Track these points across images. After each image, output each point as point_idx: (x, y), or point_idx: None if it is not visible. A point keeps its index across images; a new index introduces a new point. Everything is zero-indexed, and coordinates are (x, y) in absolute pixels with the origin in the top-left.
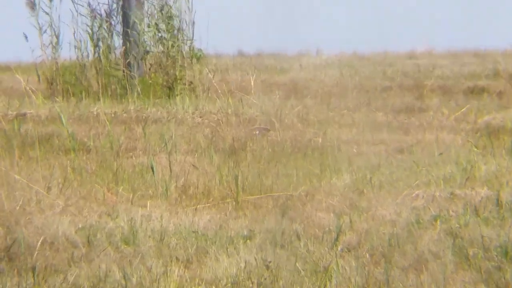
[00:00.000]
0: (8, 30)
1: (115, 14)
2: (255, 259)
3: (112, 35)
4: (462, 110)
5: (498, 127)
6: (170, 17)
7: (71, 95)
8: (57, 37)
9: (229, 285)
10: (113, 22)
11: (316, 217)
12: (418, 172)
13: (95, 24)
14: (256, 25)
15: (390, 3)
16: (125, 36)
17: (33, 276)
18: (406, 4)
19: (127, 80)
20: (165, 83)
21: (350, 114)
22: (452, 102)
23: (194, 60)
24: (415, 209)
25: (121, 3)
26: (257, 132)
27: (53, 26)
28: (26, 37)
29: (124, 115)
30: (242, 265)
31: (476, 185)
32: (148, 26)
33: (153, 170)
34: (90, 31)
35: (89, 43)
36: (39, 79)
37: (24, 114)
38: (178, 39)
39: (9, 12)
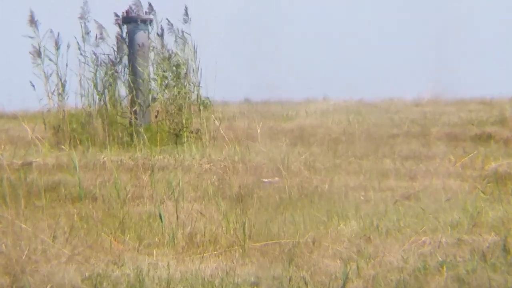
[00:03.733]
0: (15, 79)
1: (121, 62)
2: None
3: (117, 83)
4: (469, 156)
5: (505, 173)
6: (178, 65)
7: (78, 143)
8: (63, 85)
9: None
10: (118, 70)
11: (323, 264)
12: (425, 218)
13: (100, 71)
14: (263, 73)
15: (395, 50)
16: (131, 84)
17: None
18: (413, 52)
19: (134, 128)
20: (171, 131)
21: (357, 161)
22: (459, 149)
23: (201, 108)
24: (422, 256)
25: (126, 51)
26: (267, 182)
27: (59, 74)
28: (33, 86)
29: (131, 162)
30: None
31: (483, 231)
32: (155, 74)
33: (161, 218)
34: (95, 79)
35: (95, 91)
36: (45, 127)
37: (30, 163)
38: (184, 87)
39: (15, 60)
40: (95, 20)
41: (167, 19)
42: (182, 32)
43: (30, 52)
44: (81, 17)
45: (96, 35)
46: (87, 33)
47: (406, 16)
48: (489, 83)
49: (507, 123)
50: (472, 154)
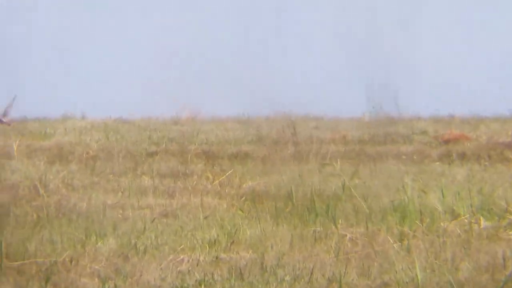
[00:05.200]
0: None
1: None
2: None
3: None
4: (227, 174)
5: (262, 192)
6: None
7: None
8: None
9: None
10: None
11: (80, 283)
12: (183, 236)
13: None
14: (22, 88)
15: (154, 70)
16: None
17: None
18: (168, 72)
19: None
20: None
21: (116, 178)
22: (217, 167)
23: None
24: (180, 274)
25: None
26: None
27: None
28: None
29: None
30: None
31: (241, 249)
32: None
33: None
34: None
35: None
36: None
37: None
38: None
39: None
40: None
41: None
42: None
43: None
44: None
45: None
46: None
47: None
48: (243, 101)
49: (264, 142)
50: (229, 172)
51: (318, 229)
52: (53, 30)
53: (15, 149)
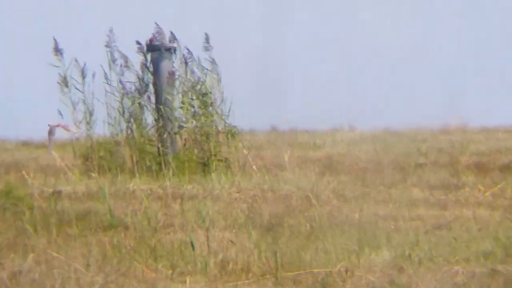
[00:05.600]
0: (42, 108)
1: (146, 90)
2: None
3: (144, 111)
4: (499, 186)
5: None
6: (205, 94)
7: (107, 171)
8: (91, 113)
9: None
10: (145, 99)
11: None
12: (457, 248)
13: (126, 100)
14: (290, 101)
15: (420, 77)
16: (158, 112)
17: None
18: (438, 79)
19: (162, 156)
20: (199, 160)
21: (386, 190)
22: (488, 179)
23: (229, 136)
24: (455, 286)
25: (152, 79)
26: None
27: (86, 102)
28: (61, 115)
29: (160, 191)
30: None
31: None
32: (182, 102)
33: (193, 246)
34: (121, 107)
35: (122, 120)
36: (75, 155)
37: (60, 191)
38: (212, 115)
39: (42, 89)
40: (117, 49)
41: (187, 48)
42: (210, 60)
43: (58, 82)
44: (107, 45)
45: (121, 63)
46: (113, 61)
47: (427, 42)
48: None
49: None
50: (501, 183)
51: None
52: (313, 42)
53: (287, 160)
